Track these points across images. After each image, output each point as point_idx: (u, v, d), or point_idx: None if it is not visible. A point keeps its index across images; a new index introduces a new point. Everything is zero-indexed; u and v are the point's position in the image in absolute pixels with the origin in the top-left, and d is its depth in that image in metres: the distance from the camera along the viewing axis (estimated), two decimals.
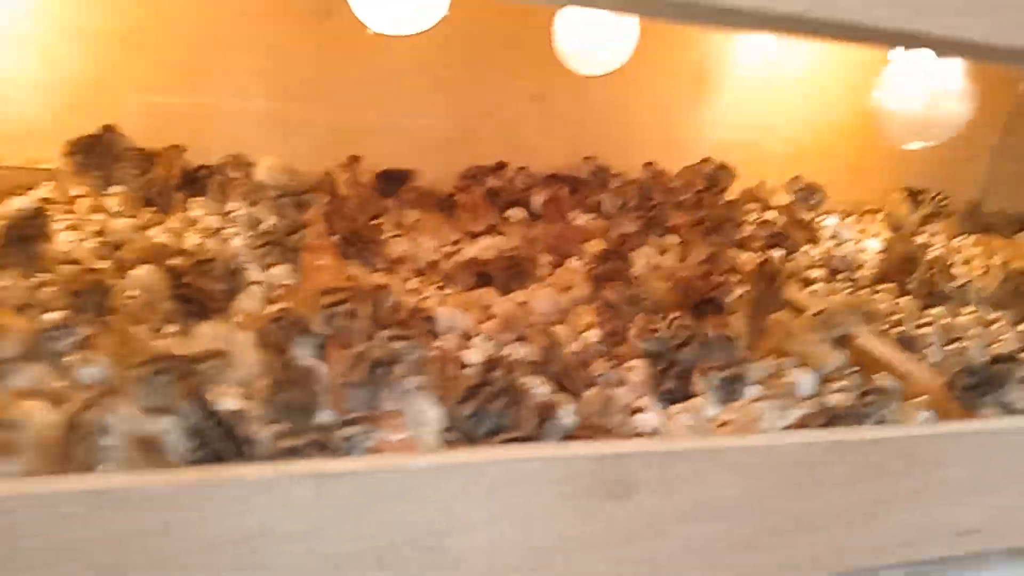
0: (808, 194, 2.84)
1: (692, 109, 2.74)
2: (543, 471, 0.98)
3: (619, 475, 1.00)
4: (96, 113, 2.12)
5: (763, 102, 2.82)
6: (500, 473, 0.97)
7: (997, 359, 1.48)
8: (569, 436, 1.31)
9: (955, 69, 1.59)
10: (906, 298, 2.16)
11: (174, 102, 2.17)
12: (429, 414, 1.26)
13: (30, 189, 1.98)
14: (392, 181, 2.34)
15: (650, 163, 2.61)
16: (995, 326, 2.08)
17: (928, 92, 1.54)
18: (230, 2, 2.11)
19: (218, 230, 1.93)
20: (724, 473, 1.05)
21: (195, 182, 2.06)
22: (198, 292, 1.43)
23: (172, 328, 1.46)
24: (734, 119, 2.79)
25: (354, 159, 2.27)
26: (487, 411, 1.27)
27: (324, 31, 2.21)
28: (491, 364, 1.31)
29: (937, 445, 1.16)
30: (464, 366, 1.32)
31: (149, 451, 1.04)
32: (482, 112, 2.48)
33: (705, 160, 2.67)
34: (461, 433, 1.28)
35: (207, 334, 1.35)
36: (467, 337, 1.57)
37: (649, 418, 1.36)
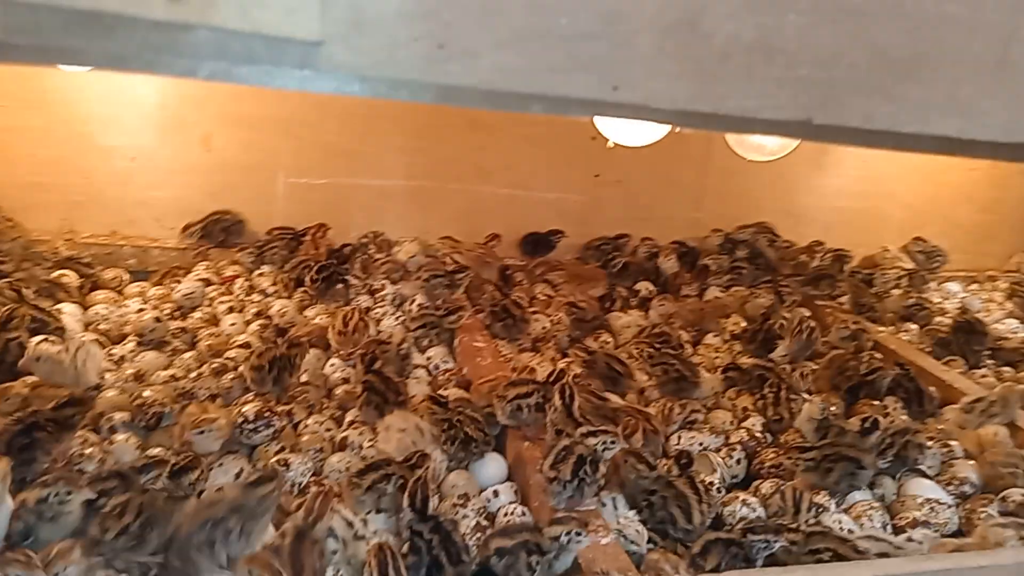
0: (929, 257, 2.78)
1: (812, 178, 2.73)
2: None
3: None
4: (247, 195, 2.22)
5: (882, 167, 2.79)
6: None
7: None
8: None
9: None
10: None
11: (323, 183, 2.25)
12: (626, 513, 1.26)
13: (186, 270, 2.06)
14: (538, 245, 2.40)
15: (774, 236, 2.59)
16: None
17: None
18: None
19: (368, 309, 1.98)
20: None
21: (343, 261, 2.13)
22: (383, 380, 1.47)
23: (351, 416, 1.50)
24: (853, 187, 2.76)
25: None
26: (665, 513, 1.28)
27: (456, 115, 2.28)
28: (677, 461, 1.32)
29: None
30: (649, 465, 1.32)
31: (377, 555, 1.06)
32: (606, 183, 2.52)
33: (817, 243, 2.63)
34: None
35: (395, 426, 1.39)
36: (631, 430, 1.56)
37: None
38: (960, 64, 0.64)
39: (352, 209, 2.27)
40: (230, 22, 0.48)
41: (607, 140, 1.82)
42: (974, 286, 2.82)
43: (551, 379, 1.43)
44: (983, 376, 2.10)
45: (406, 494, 1.16)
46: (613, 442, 1.28)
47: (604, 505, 1.25)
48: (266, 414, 1.39)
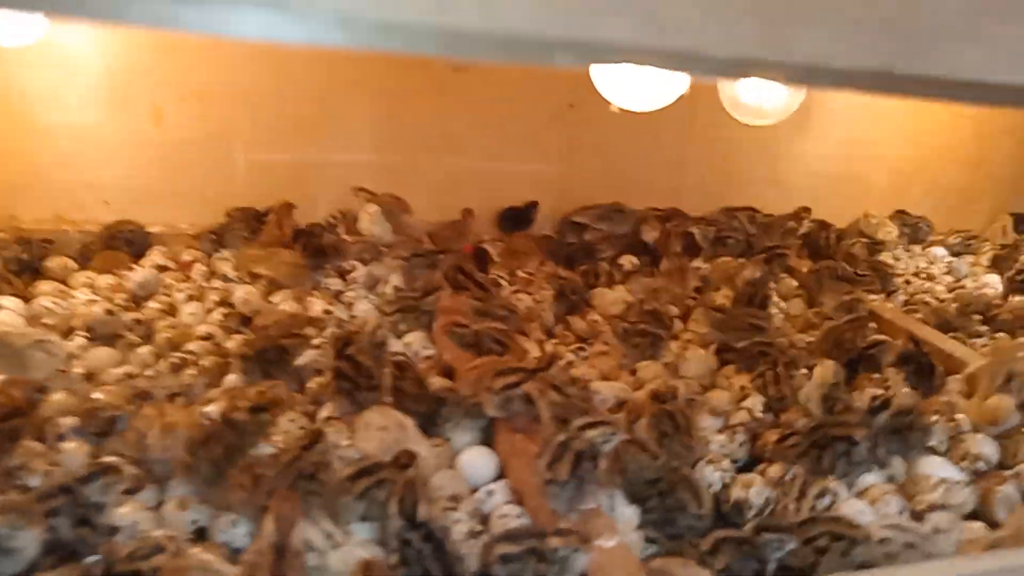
0: (914, 228, 2.72)
1: (795, 144, 2.63)
2: None
3: None
4: (204, 172, 2.07)
5: (866, 131, 2.70)
6: None
7: None
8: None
9: None
10: None
11: (284, 159, 2.10)
12: (625, 512, 1.16)
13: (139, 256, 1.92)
14: (517, 220, 2.28)
15: (752, 209, 2.49)
16: None
17: None
18: (341, 57, 2.04)
19: (339, 293, 1.85)
20: None
21: (310, 240, 1.99)
22: (355, 366, 1.35)
23: (326, 412, 1.38)
24: (838, 151, 2.68)
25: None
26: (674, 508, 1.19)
27: (426, 82, 2.14)
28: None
29: None
30: (652, 454, 1.22)
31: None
32: (583, 153, 2.40)
33: (804, 209, 2.54)
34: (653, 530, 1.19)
35: (374, 423, 1.27)
36: (634, 415, 1.47)
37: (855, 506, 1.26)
38: None
39: (318, 186, 2.13)
40: None
41: (609, 104, 1.68)
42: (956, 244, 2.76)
43: (541, 365, 1.32)
44: (983, 346, 2.04)
45: (394, 499, 1.05)
46: (613, 434, 1.18)
47: (603, 506, 1.14)
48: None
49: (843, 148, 2.67)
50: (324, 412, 1.38)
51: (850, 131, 2.66)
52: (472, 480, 1.25)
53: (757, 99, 1.75)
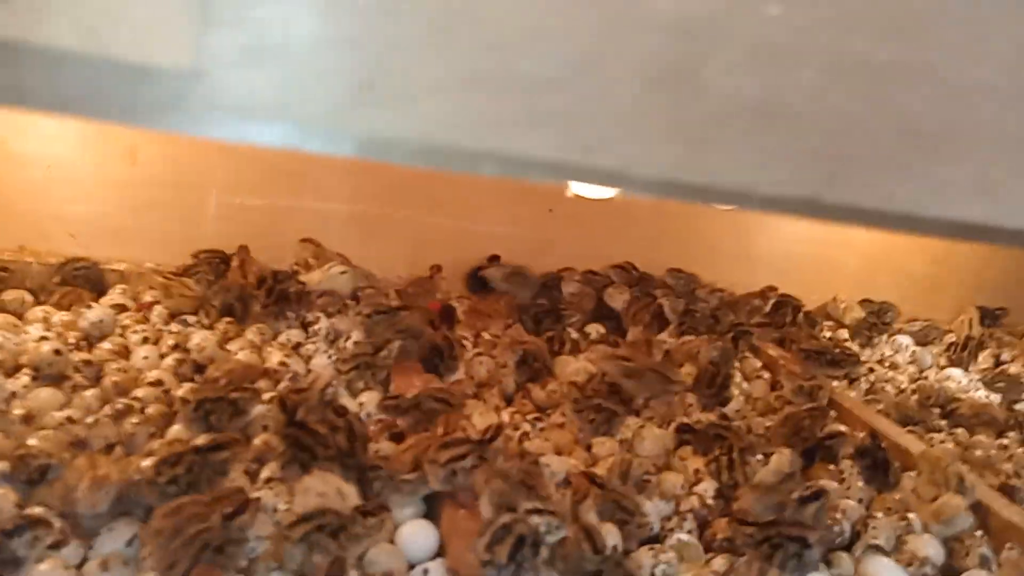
0: (880, 314, 2.74)
1: (768, 222, 2.66)
2: None
3: None
4: (175, 213, 2.06)
5: None
6: None
7: None
8: None
9: None
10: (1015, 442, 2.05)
11: (257, 204, 2.10)
12: None
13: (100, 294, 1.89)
14: (481, 279, 2.27)
15: (719, 289, 2.51)
16: None
17: None
18: None
19: (298, 345, 1.83)
20: None
21: (274, 289, 1.96)
22: (311, 434, 1.32)
23: (267, 473, 1.35)
24: (810, 232, 2.71)
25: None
26: None
27: None
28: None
29: None
30: (595, 547, 1.19)
31: None
32: (560, 221, 2.42)
33: (771, 288, 2.56)
34: None
35: (314, 488, 1.24)
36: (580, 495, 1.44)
37: None
38: (992, 140, 0.54)
39: (289, 233, 2.12)
40: (66, 39, 0.35)
41: (568, 193, 1.68)
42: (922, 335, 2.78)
43: (487, 436, 1.30)
44: (941, 442, 2.04)
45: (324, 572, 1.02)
46: (558, 527, 1.16)
47: None
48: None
49: (815, 230, 2.70)
50: (266, 472, 1.35)
51: None
52: (410, 555, 1.22)
53: None
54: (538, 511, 1.14)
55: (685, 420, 1.76)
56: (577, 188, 1.50)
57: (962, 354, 2.61)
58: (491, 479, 1.22)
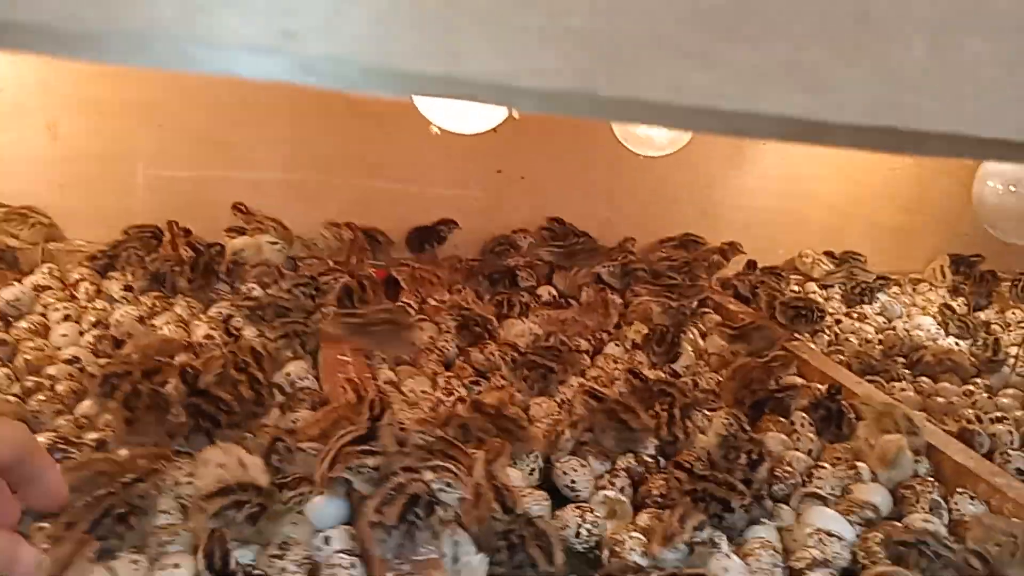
0: (850, 267, 2.67)
1: (731, 173, 2.59)
2: None
3: None
4: (105, 188, 1.99)
5: (802, 167, 2.67)
6: None
7: None
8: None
9: None
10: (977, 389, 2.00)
11: (188, 175, 2.03)
12: (472, 562, 1.08)
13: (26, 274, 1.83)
14: (424, 239, 2.22)
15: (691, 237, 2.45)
16: None
17: None
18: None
19: (229, 318, 1.77)
20: None
21: (207, 262, 1.90)
22: (212, 401, 1.27)
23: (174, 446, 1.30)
24: (772, 186, 2.64)
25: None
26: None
27: (341, 100, 2.08)
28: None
29: None
30: (505, 507, 1.14)
31: None
32: (512, 181, 2.35)
33: (729, 243, 2.49)
34: None
35: (213, 459, 1.19)
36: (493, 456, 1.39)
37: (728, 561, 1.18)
38: (806, 20, 0.47)
39: (223, 205, 2.06)
40: None
41: (433, 129, 1.60)
42: (895, 289, 2.72)
43: (374, 415, 1.22)
44: (902, 390, 1.98)
45: (200, 548, 0.97)
46: (449, 484, 1.10)
47: (445, 555, 1.06)
48: (61, 445, 1.18)
49: (778, 184, 2.63)
50: (173, 445, 1.29)
51: (785, 167, 2.62)
52: (318, 524, 1.17)
53: (646, 129, 1.70)
54: (433, 468, 1.08)
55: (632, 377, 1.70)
56: (441, 123, 1.45)
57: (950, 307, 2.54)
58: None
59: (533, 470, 1.40)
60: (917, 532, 1.29)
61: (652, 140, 1.72)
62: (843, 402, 1.69)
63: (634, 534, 1.24)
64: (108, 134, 1.96)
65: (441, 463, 1.13)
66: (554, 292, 2.18)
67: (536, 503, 1.28)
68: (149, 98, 1.96)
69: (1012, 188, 1.37)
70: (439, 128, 1.52)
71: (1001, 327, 2.52)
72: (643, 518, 1.29)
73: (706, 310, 2.19)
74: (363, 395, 1.28)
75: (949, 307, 2.51)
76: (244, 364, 1.34)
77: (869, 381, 1.94)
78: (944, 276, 2.78)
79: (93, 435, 1.28)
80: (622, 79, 0.46)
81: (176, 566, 1.02)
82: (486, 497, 1.14)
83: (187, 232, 1.95)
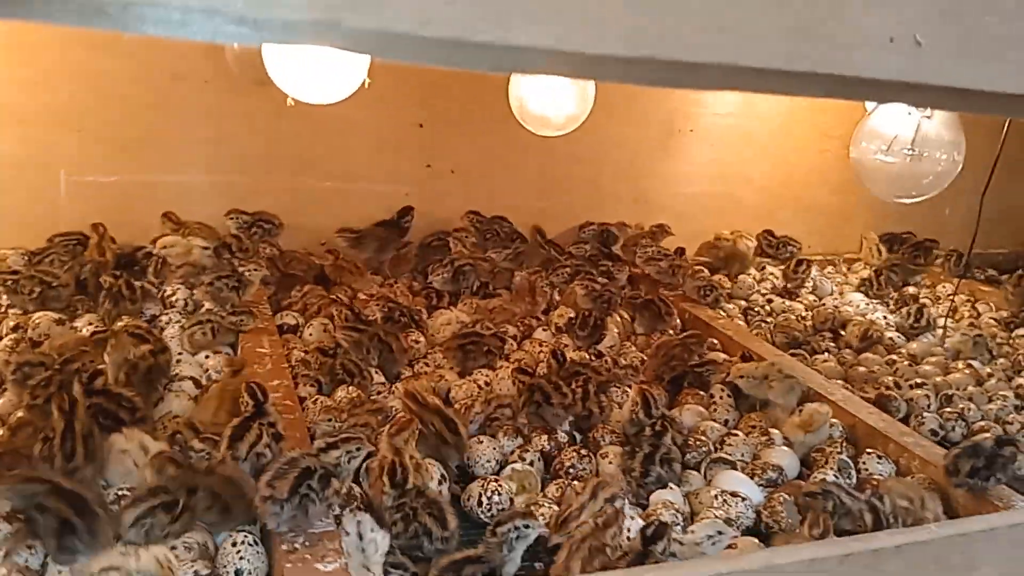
0: (777, 248, 2.71)
1: (662, 160, 2.63)
2: None
3: None
4: (24, 196, 1.99)
5: (734, 152, 2.71)
6: None
7: (1002, 441, 1.32)
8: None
9: (936, 118, 1.46)
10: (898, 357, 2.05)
11: (113, 180, 2.03)
12: (376, 538, 1.09)
13: None
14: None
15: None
16: (990, 382, 1.96)
17: (911, 144, 1.40)
18: (165, 76, 2.00)
19: (153, 318, 1.78)
20: None
21: (133, 265, 1.91)
22: (113, 398, 1.28)
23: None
24: (704, 172, 2.68)
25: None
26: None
27: (265, 100, 2.09)
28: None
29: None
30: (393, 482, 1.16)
31: None
32: (442, 175, 2.37)
33: (658, 226, 2.52)
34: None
35: (117, 446, 1.20)
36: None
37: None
38: None
39: (149, 208, 2.06)
40: None
41: (286, 98, 1.59)
42: (829, 269, 2.77)
43: (259, 401, 1.23)
44: (824, 361, 2.02)
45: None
46: (358, 449, 1.12)
47: (348, 533, 1.06)
48: None
49: (710, 168, 2.68)
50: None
51: (716, 152, 2.67)
52: None
53: (542, 108, 1.73)
54: (329, 447, 1.10)
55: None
56: (296, 94, 1.46)
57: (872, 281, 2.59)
58: None
59: None
60: (822, 484, 1.32)
61: (548, 120, 1.75)
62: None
63: (545, 505, 1.26)
64: (28, 141, 1.96)
65: (349, 435, 1.14)
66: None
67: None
68: (68, 103, 1.96)
69: (884, 148, 1.41)
70: (294, 100, 1.54)
71: (931, 300, 2.57)
72: (552, 489, 1.31)
73: (635, 293, 2.21)
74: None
75: (868, 281, 2.56)
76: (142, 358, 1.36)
77: (792, 354, 1.99)
78: (880, 254, 2.83)
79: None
80: (367, 10, 0.48)
81: None
82: (379, 469, 1.16)
83: (112, 240, 1.94)
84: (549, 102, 1.72)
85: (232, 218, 2.07)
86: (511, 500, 1.29)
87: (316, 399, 1.53)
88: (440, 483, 1.28)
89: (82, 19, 0.42)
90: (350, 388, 1.55)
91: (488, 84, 2.11)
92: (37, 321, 1.64)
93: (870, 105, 2.23)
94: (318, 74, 1.39)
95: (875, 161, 1.46)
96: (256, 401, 1.19)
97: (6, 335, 1.64)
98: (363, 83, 1.49)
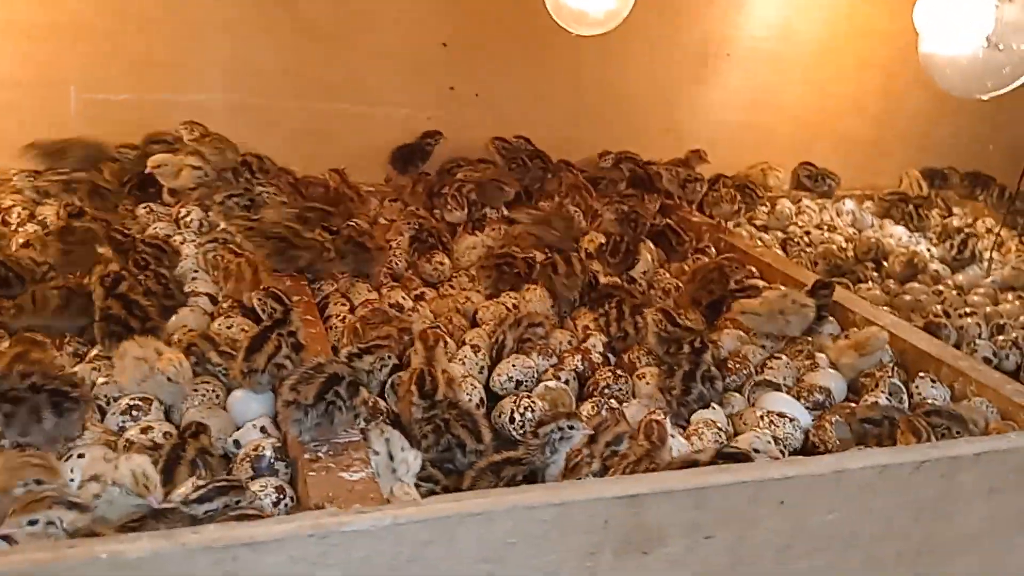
0: (816, 180, 2.59)
1: (695, 87, 2.51)
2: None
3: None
4: (32, 114, 1.90)
5: (766, 78, 2.58)
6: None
7: None
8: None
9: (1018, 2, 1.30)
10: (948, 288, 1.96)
11: (126, 98, 1.95)
12: (407, 457, 1.02)
13: None
14: (411, 157, 2.14)
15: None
16: None
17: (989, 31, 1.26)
18: None
19: (168, 236, 1.71)
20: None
21: (151, 184, 1.84)
22: (126, 305, 1.22)
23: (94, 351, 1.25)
24: (739, 100, 2.56)
25: None
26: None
27: (285, 18, 2.00)
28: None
29: None
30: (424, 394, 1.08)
31: None
32: (466, 98, 2.26)
33: (694, 151, 2.39)
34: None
35: (130, 353, 1.13)
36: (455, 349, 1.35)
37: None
38: None
39: (162, 127, 1.97)
40: None
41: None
42: (868, 204, 2.66)
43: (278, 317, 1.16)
44: (868, 290, 1.93)
45: None
46: (389, 357, 1.05)
47: (378, 452, 0.98)
48: None
49: (744, 96, 2.55)
50: (93, 351, 1.24)
51: (750, 79, 2.55)
52: (239, 420, 1.12)
53: (578, 1, 1.61)
54: (360, 353, 1.03)
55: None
56: None
57: (907, 213, 2.49)
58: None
59: (482, 368, 1.36)
60: (883, 408, 1.24)
61: (586, 15, 1.63)
62: None
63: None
64: (38, 58, 1.87)
65: (377, 342, 1.07)
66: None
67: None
68: (80, 20, 1.87)
69: (959, 39, 1.29)
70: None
71: (975, 234, 2.45)
72: (587, 407, 1.24)
73: (671, 224, 2.11)
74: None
75: (909, 214, 2.45)
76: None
77: (836, 282, 1.89)
78: (922, 188, 2.71)
79: None
80: None
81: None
82: (407, 381, 1.10)
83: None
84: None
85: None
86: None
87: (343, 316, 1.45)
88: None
89: None
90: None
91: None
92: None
93: (922, 27, 2.08)
94: None
95: (947, 53, 1.34)
96: (284, 307, 1.12)
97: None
98: None
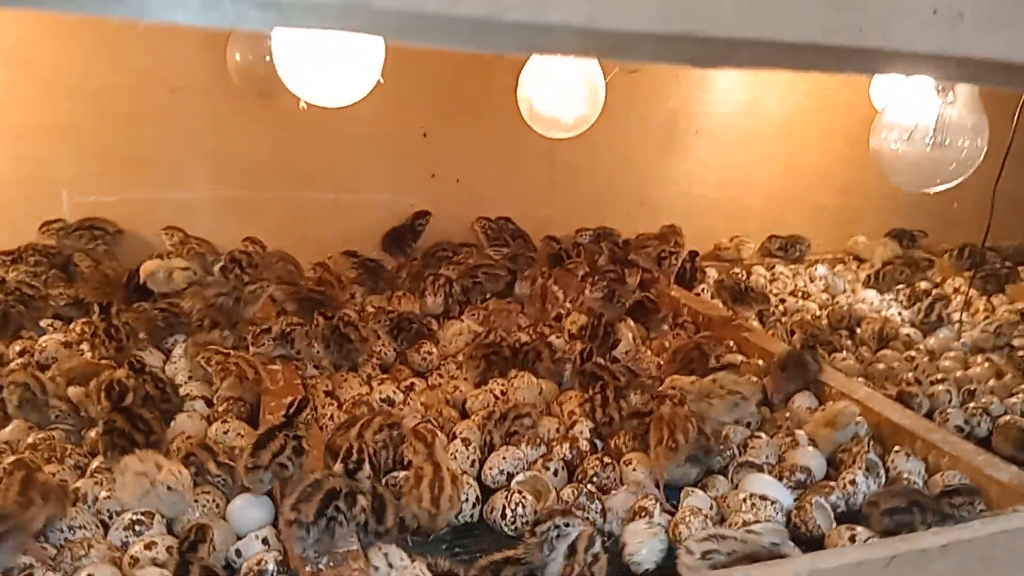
0: (787, 249, 2.70)
1: (667, 160, 2.61)
2: None
3: None
4: (26, 217, 1.96)
5: (736, 155, 2.69)
6: None
7: None
8: None
9: (959, 102, 1.41)
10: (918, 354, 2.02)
11: (113, 200, 2.01)
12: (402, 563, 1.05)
13: None
14: (402, 238, 2.24)
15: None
16: (1007, 377, 1.93)
17: (933, 131, 1.36)
18: (165, 89, 1.98)
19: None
20: None
21: (144, 292, 1.88)
22: (130, 418, 1.26)
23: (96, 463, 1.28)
24: (709, 174, 2.66)
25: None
26: None
27: (267, 111, 2.08)
28: None
29: None
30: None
31: None
32: (447, 184, 2.35)
33: (669, 227, 2.49)
34: None
35: (131, 467, 1.16)
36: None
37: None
38: None
39: (152, 227, 2.03)
40: None
41: (299, 102, 1.57)
42: (839, 267, 2.74)
43: (291, 410, 1.22)
44: (843, 359, 1.99)
45: None
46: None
47: (376, 568, 1.01)
48: None
49: (715, 173, 2.65)
50: (95, 463, 1.27)
51: (720, 156, 2.65)
52: (240, 529, 1.15)
53: (552, 109, 1.70)
54: (357, 465, 1.07)
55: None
56: (310, 97, 1.43)
57: (879, 278, 2.57)
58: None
59: (473, 462, 1.40)
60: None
61: (558, 121, 1.72)
62: None
63: None
64: (26, 158, 1.93)
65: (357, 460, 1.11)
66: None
67: None
68: (67, 121, 1.93)
69: (905, 139, 1.39)
70: (306, 104, 1.51)
71: (942, 295, 2.53)
72: (567, 492, 1.28)
73: (649, 296, 2.17)
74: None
75: (876, 275, 2.54)
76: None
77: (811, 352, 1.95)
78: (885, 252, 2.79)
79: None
80: None
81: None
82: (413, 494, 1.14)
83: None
84: (559, 103, 1.69)
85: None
86: (535, 511, 1.26)
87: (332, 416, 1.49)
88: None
89: (100, 6, 0.40)
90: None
91: (491, 90, 2.09)
92: (42, 346, 1.61)
93: (879, 102, 2.21)
94: (331, 76, 1.35)
95: (896, 151, 1.43)
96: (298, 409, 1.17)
97: (13, 359, 1.61)
98: (377, 82, 1.47)
